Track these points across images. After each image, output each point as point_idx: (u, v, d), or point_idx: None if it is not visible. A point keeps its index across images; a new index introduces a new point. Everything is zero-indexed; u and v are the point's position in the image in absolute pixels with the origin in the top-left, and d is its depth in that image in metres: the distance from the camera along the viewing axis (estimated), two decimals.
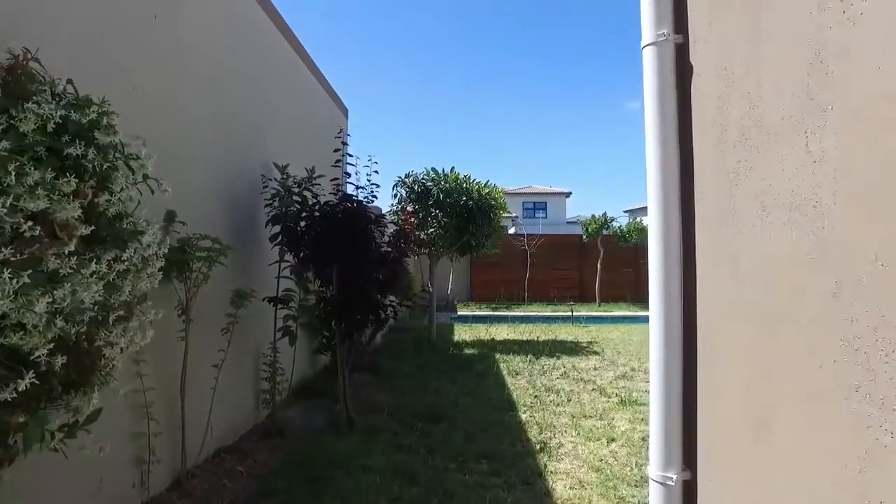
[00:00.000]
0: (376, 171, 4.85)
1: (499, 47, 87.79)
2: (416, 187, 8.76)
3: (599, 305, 16.46)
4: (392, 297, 5.17)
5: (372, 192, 4.77)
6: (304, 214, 4.39)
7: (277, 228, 4.34)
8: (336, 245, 4.29)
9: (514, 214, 28.62)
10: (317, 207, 4.43)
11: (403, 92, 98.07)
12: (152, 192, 2.30)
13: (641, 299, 17.45)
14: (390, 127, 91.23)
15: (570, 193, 45.98)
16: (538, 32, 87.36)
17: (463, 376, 6.63)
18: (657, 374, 1.71)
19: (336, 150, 4.58)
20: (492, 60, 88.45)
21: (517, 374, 6.82)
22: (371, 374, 6.84)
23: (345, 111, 9.06)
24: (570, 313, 13.34)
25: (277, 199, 4.55)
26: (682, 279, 1.70)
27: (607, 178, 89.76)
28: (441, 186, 8.58)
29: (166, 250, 2.25)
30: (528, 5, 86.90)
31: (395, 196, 9.09)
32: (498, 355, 8.02)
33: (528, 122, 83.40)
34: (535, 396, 5.72)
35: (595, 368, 7.17)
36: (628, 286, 17.60)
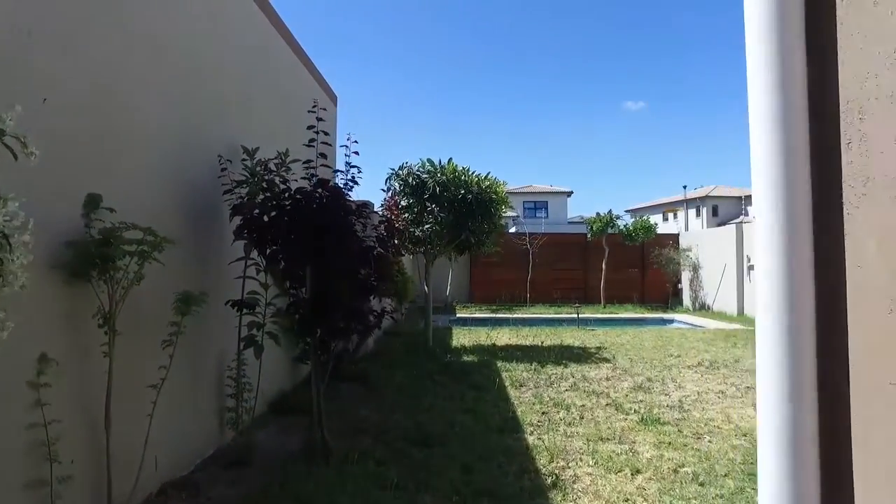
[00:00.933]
0: (356, 153, 4.17)
1: (498, 45, 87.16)
2: (410, 180, 8.07)
3: (605, 307, 15.79)
4: (382, 300, 4.49)
5: (353, 177, 4.08)
6: (271, 203, 3.71)
7: (240, 220, 3.66)
8: (309, 239, 3.62)
9: (514, 213, 27.98)
10: (286, 195, 3.75)
11: (399, 90, 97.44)
12: (15, 158, 1.62)
13: (648, 300, 16.79)
14: (385, 125, 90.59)
15: (572, 192, 45.37)
16: (535, 31, 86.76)
17: (461, 388, 5.95)
18: (771, 449, 1.02)
19: (310, 128, 3.89)
20: (491, 59, 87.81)
21: (521, 386, 6.13)
22: (359, 384, 6.16)
23: (334, 98, 8.38)
24: (575, 315, 12.65)
25: (246, 185, 3.88)
26: (815, 285, 1.02)
27: (607, 179, 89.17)
28: (437, 179, 7.90)
29: (27, 238, 1.56)
30: (527, 2, 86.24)
31: (389, 190, 8.42)
32: (500, 363, 7.33)
33: (529, 121, 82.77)
34: (543, 413, 5.03)
35: (607, 379, 6.48)
36: (634, 287, 16.93)
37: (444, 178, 7.90)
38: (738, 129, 77.04)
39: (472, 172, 8.19)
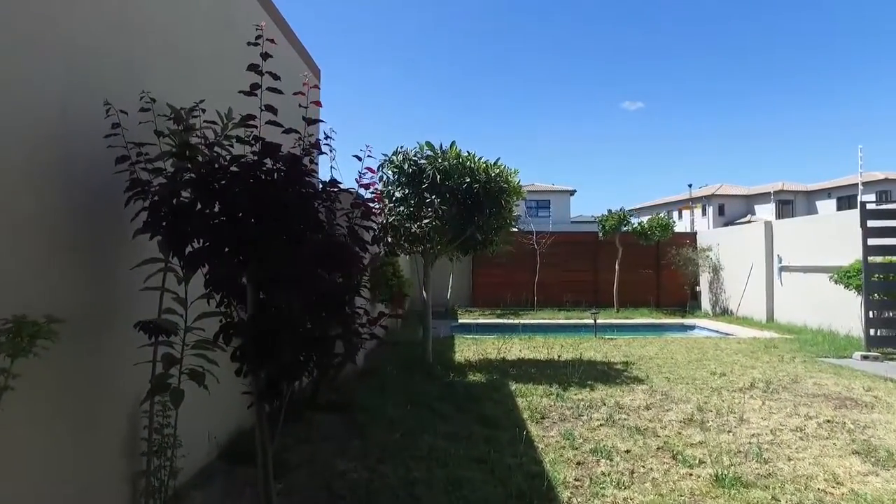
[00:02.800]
0: (317, 103, 2.93)
1: (495, 43, 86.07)
2: (406, 166, 6.85)
3: (618, 311, 14.58)
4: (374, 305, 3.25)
5: (316, 141, 2.83)
6: (189, 178, 2.49)
7: (136, 198, 2.44)
8: (249, 232, 2.41)
9: (516, 212, 26.63)
10: (216, 166, 2.52)
11: (393, 86, 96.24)
12: None
13: (663, 304, 15.58)
14: (378, 123, 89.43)
15: (575, 191, 44.12)
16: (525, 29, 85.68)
17: (468, 422, 4.74)
18: None
19: (253, 67, 2.61)
20: (488, 56, 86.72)
21: (543, 418, 4.91)
22: (340, 417, 4.96)
23: (317, 71, 7.16)
24: (587, 321, 11.42)
25: (169, 158, 2.66)
26: None
27: (607, 179, 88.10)
28: (438, 165, 6.67)
29: None
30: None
31: (381, 179, 7.20)
32: (513, 384, 6.11)
33: (524, 120, 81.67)
34: (579, 464, 3.82)
35: (647, 407, 5.26)
36: (649, 289, 15.72)
37: (447, 164, 6.68)
38: (739, 128, 75.80)
39: (479, 158, 6.97)
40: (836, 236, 10.14)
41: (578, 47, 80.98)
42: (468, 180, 6.65)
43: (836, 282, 8.84)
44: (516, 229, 17.02)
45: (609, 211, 15.00)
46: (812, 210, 42.25)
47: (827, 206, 41.91)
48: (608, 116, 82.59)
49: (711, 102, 78.96)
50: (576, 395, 5.73)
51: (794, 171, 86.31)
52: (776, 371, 6.88)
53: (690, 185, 42.82)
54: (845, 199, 41.38)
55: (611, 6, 77.72)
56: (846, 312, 9.57)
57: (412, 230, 6.69)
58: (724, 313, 14.09)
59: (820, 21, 71.98)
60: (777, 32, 76.01)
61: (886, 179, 38.84)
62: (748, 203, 47.48)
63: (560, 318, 13.45)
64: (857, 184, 41.15)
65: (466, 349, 8.62)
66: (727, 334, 10.94)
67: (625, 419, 4.88)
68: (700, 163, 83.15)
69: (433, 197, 6.62)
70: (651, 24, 79.27)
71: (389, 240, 7.05)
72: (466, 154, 6.96)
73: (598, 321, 10.88)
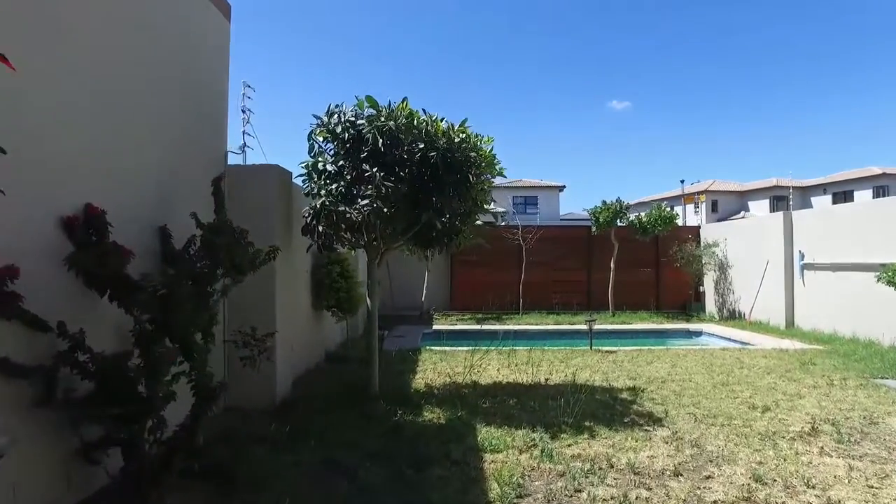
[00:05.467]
0: None
1: (486, 38, 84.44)
2: (340, 131, 5.05)
3: (614, 315, 12.92)
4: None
5: None
6: None
7: None
8: None
9: (503, 209, 24.86)
10: None
11: (384, 79, 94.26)
12: None
13: (663, 306, 13.93)
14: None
15: (564, 187, 42.52)
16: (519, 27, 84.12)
17: None
18: None
19: None
20: (482, 53, 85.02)
21: (521, 498, 3.16)
22: (209, 489, 3.18)
23: (225, 9, 5.36)
24: (581, 326, 9.69)
25: None
26: None
27: (597, 177, 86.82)
28: (381, 126, 4.88)
29: None
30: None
31: (311, 150, 5.40)
32: (481, 429, 4.35)
33: (515, 115, 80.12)
34: None
35: (675, 472, 3.53)
36: (648, 290, 14.07)
37: (392, 124, 4.88)
38: (734, 126, 74.81)
39: (440, 120, 5.20)
40: (879, 228, 8.53)
41: (564, 46, 79.51)
42: (422, 146, 4.87)
43: (886, 282, 7.20)
44: (490, 218, 14.93)
45: (603, 202, 13.26)
46: (807, 206, 41.06)
47: (822, 202, 40.80)
48: (596, 116, 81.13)
49: (701, 99, 77.84)
50: (569, 447, 3.99)
51: (786, 167, 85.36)
52: (834, 402, 5.20)
53: (683, 181, 41.40)
54: (841, 195, 40.28)
55: (595, 4, 76.16)
56: (893, 319, 7.96)
57: (347, 215, 4.89)
58: (732, 317, 12.48)
59: (815, 17, 71.03)
60: (769, 28, 74.99)
61: (884, 174, 37.67)
62: (741, 199, 46.27)
63: (549, 324, 11.74)
64: (853, 179, 40.04)
65: (431, 367, 6.85)
66: (745, 343, 9.28)
67: (647, 499, 3.14)
68: (691, 159, 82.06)
69: (375, 169, 4.83)
70: (640, 21, 77.99)
71: (321, 229, 5.26)
72: (423, 115, 5.18)
73: (595, 327, 9.12)
